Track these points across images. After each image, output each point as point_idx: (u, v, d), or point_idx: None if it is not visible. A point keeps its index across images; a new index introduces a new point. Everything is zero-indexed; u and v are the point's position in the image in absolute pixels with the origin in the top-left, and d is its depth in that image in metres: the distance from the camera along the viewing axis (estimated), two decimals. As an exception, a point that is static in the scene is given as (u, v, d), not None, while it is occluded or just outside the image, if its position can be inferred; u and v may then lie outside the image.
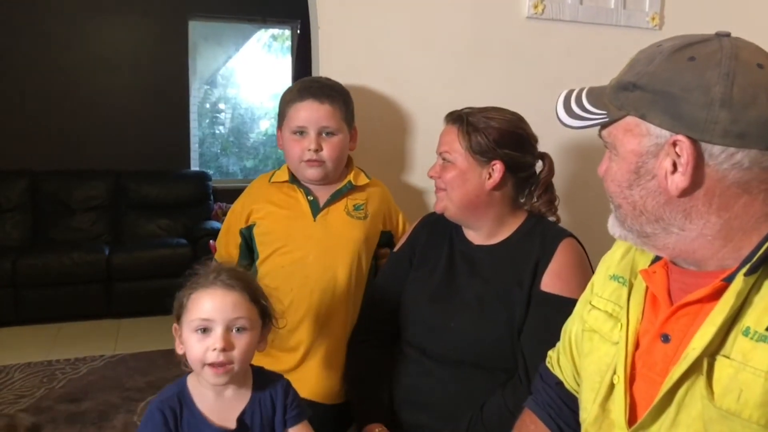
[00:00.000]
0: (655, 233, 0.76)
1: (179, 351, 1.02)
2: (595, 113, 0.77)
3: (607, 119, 0.76)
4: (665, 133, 0.71)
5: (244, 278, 1.02)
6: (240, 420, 1.00)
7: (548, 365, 1.00)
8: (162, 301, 3.87)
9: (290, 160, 1.45)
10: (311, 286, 1.39)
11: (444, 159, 1.28)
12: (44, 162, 4.23)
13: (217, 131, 5.37)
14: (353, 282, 1.43)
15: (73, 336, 3.57)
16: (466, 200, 1.27)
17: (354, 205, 1.48)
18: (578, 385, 0.93)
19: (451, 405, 1.21)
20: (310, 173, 1.42)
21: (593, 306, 0.89)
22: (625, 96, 0.74)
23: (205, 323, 0.96)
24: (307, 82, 1.47)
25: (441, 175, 1.29)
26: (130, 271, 3.88)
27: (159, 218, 4.34)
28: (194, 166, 4.82)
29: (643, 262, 0.85)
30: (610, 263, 0.91)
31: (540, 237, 1.25)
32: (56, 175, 4.22)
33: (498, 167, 1.26)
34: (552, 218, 1.32)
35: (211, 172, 4.86)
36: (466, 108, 1.31)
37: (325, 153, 1.40)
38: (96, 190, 4.26)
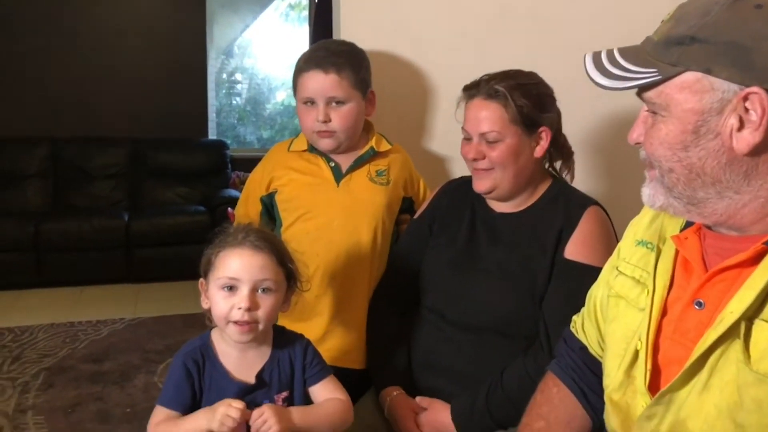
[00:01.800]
0: (707, 198, 0.73)
1: (204, 306, 1.04)
2: (641, 72, 0.72)
3: (658, 77, 0.71)
4: (734, 87, 0.67)
5: (271, 240, 1.03)
6: (259, 376, 1.02)
7: (572, 330, 1.00)
8: (180, 267, 3.94)
9: (304, 130, 1.44)
10: (336, 251, 1.40)
11: (488, 139, 1.21)
12: (64, 129, 4.27)
13: (234, 102, 5.36)
14: (377, 247, 1.43)
15: (94, 299, 3.64)
16: (521, 176, 1.24)
17: (376, 171, 1.47)
18: (602, 350, 0.93)
19: (470, 371, 1.22)
20: (323, 144, 1.41)
21: (620, 272, 0.88)
22: (681, 51, 0.69)
23: (232, 282, 0.98)
24: (314, 50, 1.42)
25: (487, 155, 1.22)
26: (149, 238, 3.93)
27: (177, 186, 4.37)
28: (212, 135, 4.82)
29: (673, 227, 0.84)
30: (637, 229, 0.89)
31: (564, 204, 1.24)
32: (76, 142, 4.25)
33: (545, 134, 1.23)
34: (569, 176, 1.32)
35: (228, 141, 4.87)
36: (483, 76, 1.26)
37: (335, 123, 1.38)
38: (115, 157, 4.30)
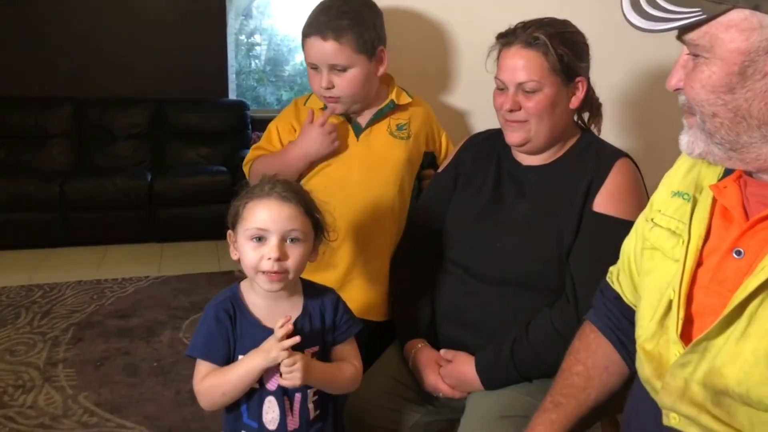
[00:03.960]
0: (752, 143, 0.70)
1: (234, 257, 1.05)
2: (683, 12, 0.68)
3: (702, 16, 0.67)
4: None
5: (298, 191, 1.04)
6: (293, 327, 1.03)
7: (608, 280, 1.00)
8: (203, 227, 3.98)
9: (314, 92, 1.41)
10: (354, 205, 1.39)
11: (525, 89, 1.17)
12: (87, 89, 4.28)
13: (253, 64, 5.31)
14: (396, 202, 1.42)
15: (119, 258, 3.70)
16: (556, 128, 1.20)
17: (397, 125, 1.45)
18: (636, 300, 0.92)
19: (494, 324, 1.21)
20: (332, 108, 1.38)
21: (655, 223, 0.86)
22: None
23: (261, 232, 0.99)
24: (316, 14, 1.35)
25: (523, 106, 1.17)
26: (171, 198, 3.96)
27: (199, 146, 4.38)
28: (232, 96, 4.81)
29: (710, 177, 0.82)
30: (672, 180, 0.87)
31: (594, 156, 1.21)
32: (99, 102, 4.27)
33: (582, 84, 1.20)
34: (596, 129, 1.28)
35: (248, 102, 4.85)
36: (518, 24, 1.21)
37: (339, 90, 1.34)
38: (137, 117, 4.31)
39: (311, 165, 1.41)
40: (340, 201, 1.38)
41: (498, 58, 1.22)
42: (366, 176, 1.40)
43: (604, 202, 1.16)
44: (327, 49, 1.31)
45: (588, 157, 1.21)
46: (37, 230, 3.77)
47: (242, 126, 4.52)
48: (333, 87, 1.34)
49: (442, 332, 1.28)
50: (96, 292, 3.14)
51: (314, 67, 1.35)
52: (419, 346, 1.27)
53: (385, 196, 1.41)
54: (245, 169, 1.47)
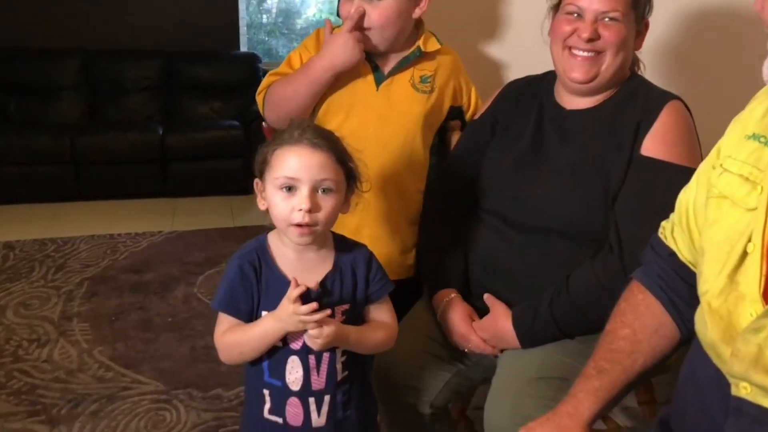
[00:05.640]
0: None
1: (261, 207, 0.99)
2: None
3: None
4: None
5: (330, 138, 0.96)
6: (322, 284, 0.98)
7: (660, 236, 0.91)
8: (216, 182, 3.92)
9: (342, 19, 1.31)
10: (366, 160, 1.30)
11: (609, 17, 1.10)
12: (96, 41, 4.18)
13: (265, 18, 5.15)
14: (412, 160, 1.35)
15: (132, 213, 3.66)
16: (624, 66, 1.14)
17: (421, 77, 1.35)
18: (693, 256, 0.84)
19: (531, 275, 1.15)
20: (358, 10, 1.27)
21: (724, 169, 0.77)
22: None
23: (291, 182, 0.92)
24: None
25: (603, 36, 1.10)
26: (184, 152, 3.89)
27: (211, 100, 4.29)
28: (243, 48, 4.68)
29: None
30: (747, 122, 0.78)
31: (643, 98, 1.12)
32: (108, 54, 4.19)
33: (646, 26, 1.16)
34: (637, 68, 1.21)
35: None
36: None
37: (369, 20, 1.26)
38: (148, 70, 4.22)
39: (332, 83, 1.31)
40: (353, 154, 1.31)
41: None
42: (382, 131, 1.32)
43: (653, 146, 1.08)
44: None
45: (637, 99, 1.13)
46: (49, 185, 3.74)
47: (255, 79, 4.40)
48: (364, 14, 1.25)
49: (475, 283, 1.22)
50: (109, 246, 3.11)
51: None
52: (451, 296, 1.20)
53: (400, 154, 1.34)
54: (259, 99, 1.39)
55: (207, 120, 4.20)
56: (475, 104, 1.43)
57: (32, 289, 2.64)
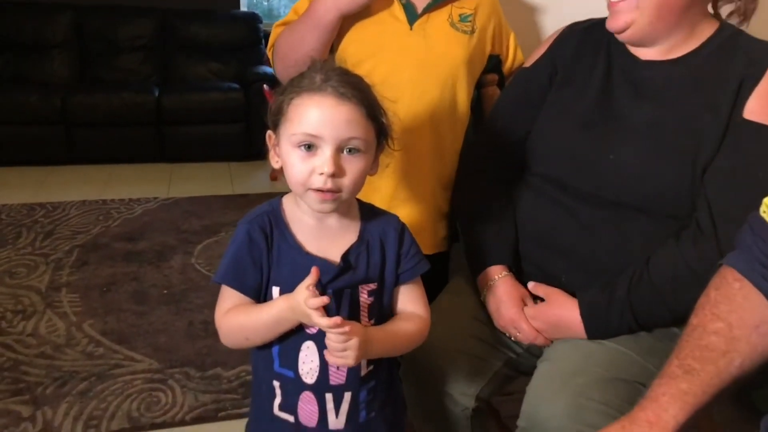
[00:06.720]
0: None
1: (275, 165, 0.82)
2: None
3: None
4: None
5: (359, 86, 0.78)
6: (344, 258, 0.81)
7: (762, 215, 0.74)
8: (214, 147, 3.71)
9: None
10: (400, 112, 1.13)
11: None
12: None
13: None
14: (452, 111, 1.18)
15: (126, 177, 3.49)
16: (666, 7, 0.93)
17: (460, 15, 1.17)
18: None
19: (600, 255, 0.97)
20: None
21: None
22: None
23: (311, 139, 0.75)
24: None
25: None
26: (181, 115, 3.70)
27: (209, 61, 4.09)
28: (243, 8, 4.45)
29: None
30: None
31: (744, 52, 0.93)
32: (100, 10, 3.99)
33: None
34: (745, 25, 0.99)
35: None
36: None
37: None
38: (142, 28, 4.02)
39: (342, 25, 1.14)
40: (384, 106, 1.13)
41: None
42: (419, 76, 1.14)
43: (760, 108, 0.89)
44: None
45: (736, 53, 0.93)
46: (39, 146, 3.56)
47: (255, 40, 4.21)
48: None
49: (527, 261, 1.05)
50: (102, 212, 2.94)
51: None
52: (503, 273, 1.03)
53: (440, 102, 1.16)
54: (270, 55, 1.22)
55: (205, 82, 4.01)
56: (514, 53, 1.26)
57: (18, 256, 2.48)
